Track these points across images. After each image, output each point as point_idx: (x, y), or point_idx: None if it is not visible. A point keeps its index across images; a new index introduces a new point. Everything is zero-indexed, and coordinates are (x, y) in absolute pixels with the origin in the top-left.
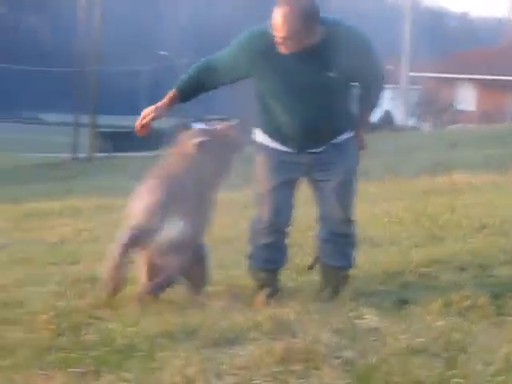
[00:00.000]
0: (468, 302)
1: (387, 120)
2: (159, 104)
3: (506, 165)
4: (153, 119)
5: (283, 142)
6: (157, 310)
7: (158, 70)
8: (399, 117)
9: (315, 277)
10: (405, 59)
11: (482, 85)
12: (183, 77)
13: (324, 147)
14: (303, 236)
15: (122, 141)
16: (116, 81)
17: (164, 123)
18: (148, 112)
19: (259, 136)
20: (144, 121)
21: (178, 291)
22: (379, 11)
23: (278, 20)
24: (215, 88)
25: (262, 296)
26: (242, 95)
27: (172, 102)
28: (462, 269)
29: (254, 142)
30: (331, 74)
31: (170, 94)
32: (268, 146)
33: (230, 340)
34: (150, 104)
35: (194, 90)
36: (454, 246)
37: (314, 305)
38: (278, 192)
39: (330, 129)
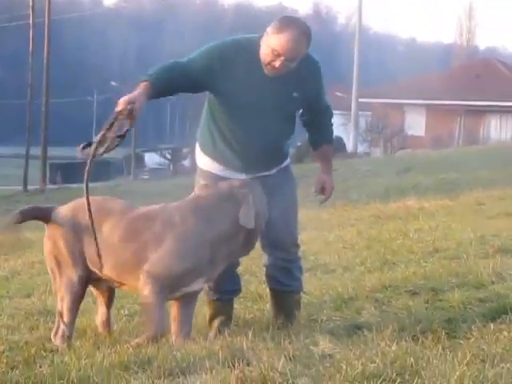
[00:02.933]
0: (421, 327)
1: (338, 146)
2: (136, 93)
3: (457, 189)
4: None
5: (235, 167)
6: (111, 341)
7: (109, 101)
8: (350, 143)
9: (269, 304)
10: (354, 85)
11: (431, 110)
12: (158, 73)
13: (274, 171)
14: (256, 263)
15: (73, 172)
16: (67, 112)
17: (115, 154)
18: (130, 99)
19: (206, 163)
20: (133, 108)
21: (132, 322)
22: (329, 37)
23: (290, 42)
24: (178, 93)
25: (216, 325)
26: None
27: (147, 95)
28: (415, 293)
29: (198, 170)
30: (295, 95)
31: (143, 86)
32: (217, 175)
33: (185, 370)
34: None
35: (167, 89)
36: (407, 271)
37: (268, 332)
38: None
39: (281, 151)
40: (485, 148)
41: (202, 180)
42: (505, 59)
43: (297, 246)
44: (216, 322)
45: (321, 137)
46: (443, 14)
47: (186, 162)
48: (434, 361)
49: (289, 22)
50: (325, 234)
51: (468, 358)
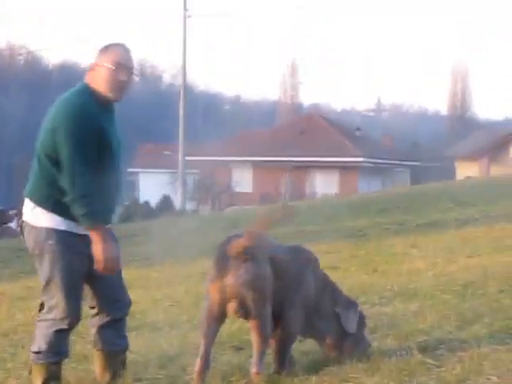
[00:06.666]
0: (246, 381)
1: (166, 205)
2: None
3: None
4: None
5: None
6: None
7: None
8: (178, 201)
9: (94, 365)
10: (181, 143)
11: (258, 166)
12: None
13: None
14: (82, 324)
15: None
16: None
17: None
18: None
19: (58, 223)
20: None
21: None
22: (155, 96)
23: (125, 53)
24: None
25: None
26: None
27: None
28: (240, 348)
29: (45, 232)
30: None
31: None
32: (73, 233)
33: None
34: None
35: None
36: (232, 326)
37: None
38: (81, 287)
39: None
40: (311, 203)
41: (52, 241)
42: (328, 115)
43: (131, 304)
44: None
45: None
46: (267, 71)
47: (13, 225)
48: None
49: (108, 44)
50: (153, 292)
51: None
